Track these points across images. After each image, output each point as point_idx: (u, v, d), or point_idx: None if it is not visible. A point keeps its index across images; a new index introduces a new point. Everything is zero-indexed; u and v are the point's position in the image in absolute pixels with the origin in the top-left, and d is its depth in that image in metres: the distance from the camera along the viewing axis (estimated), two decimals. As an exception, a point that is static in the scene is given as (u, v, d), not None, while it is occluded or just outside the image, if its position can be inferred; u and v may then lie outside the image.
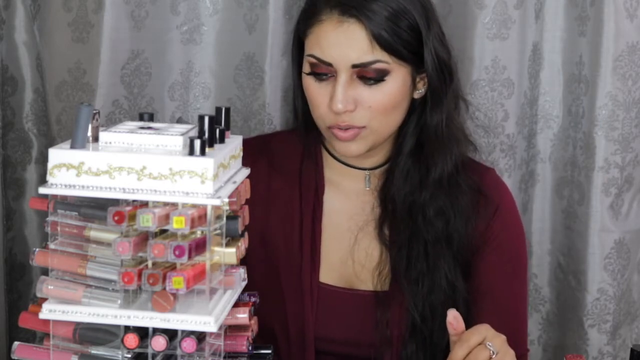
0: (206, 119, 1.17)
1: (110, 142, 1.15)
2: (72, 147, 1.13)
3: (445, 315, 1.42)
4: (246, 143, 1.73)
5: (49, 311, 1.14)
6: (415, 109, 1.64)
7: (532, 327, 2.19)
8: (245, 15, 2.00)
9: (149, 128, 1.19)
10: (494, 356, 1.37)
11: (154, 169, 1.11)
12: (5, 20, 2.01)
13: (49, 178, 1.13)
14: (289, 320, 1.64)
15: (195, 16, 2.00)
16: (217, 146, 1.18)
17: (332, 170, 1.70)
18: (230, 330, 1.22)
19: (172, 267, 1.13)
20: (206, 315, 1.12)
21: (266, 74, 2.01)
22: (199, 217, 1.12)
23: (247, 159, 1.66)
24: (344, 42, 1.53)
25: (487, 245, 1.66)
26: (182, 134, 1.16)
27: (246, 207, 1.25)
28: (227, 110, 1.26)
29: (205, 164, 1.10)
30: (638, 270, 2.11)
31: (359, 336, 1.64)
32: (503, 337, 1.40)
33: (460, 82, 1.73)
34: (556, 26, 2.09)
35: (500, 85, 2.03)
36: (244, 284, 1.23)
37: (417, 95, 1.63)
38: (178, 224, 1.09)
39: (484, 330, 1.39)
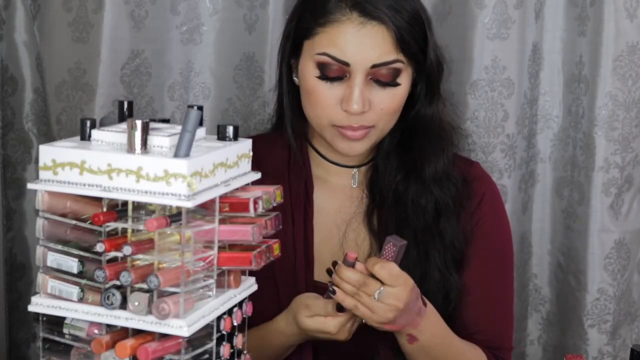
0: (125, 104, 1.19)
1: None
2: (177, 154, 1.08)
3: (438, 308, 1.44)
4: None
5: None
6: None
7: (532, 327, 2.20)
8: (245, 15, 2.00)
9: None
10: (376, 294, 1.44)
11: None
12: (5, 20, 2.01)
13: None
14: None
15: (195, 16, 2.00)
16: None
17: (319, 169, 1.71)
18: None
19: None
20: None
21: (266, 74, 2.01)
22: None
23: None
24: (366, 42, 1.55)
25: (472, 235, 1.67)
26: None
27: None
28: (130, 103, 1.23)
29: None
30: (638, 270, 2.11)
31: (355, 332, 1.64)
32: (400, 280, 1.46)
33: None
34: (556, 26, 2.08)
35: (500, 85, 2.03)
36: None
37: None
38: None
39: (386, 276, 1.44)
